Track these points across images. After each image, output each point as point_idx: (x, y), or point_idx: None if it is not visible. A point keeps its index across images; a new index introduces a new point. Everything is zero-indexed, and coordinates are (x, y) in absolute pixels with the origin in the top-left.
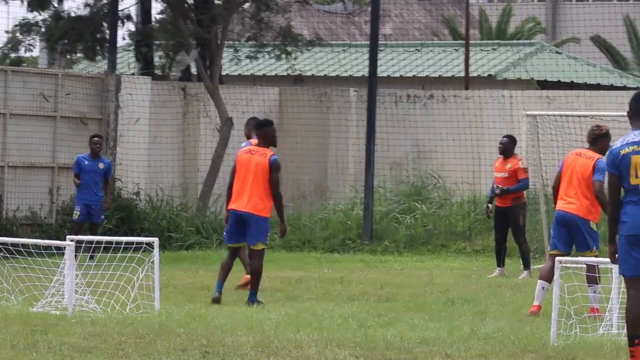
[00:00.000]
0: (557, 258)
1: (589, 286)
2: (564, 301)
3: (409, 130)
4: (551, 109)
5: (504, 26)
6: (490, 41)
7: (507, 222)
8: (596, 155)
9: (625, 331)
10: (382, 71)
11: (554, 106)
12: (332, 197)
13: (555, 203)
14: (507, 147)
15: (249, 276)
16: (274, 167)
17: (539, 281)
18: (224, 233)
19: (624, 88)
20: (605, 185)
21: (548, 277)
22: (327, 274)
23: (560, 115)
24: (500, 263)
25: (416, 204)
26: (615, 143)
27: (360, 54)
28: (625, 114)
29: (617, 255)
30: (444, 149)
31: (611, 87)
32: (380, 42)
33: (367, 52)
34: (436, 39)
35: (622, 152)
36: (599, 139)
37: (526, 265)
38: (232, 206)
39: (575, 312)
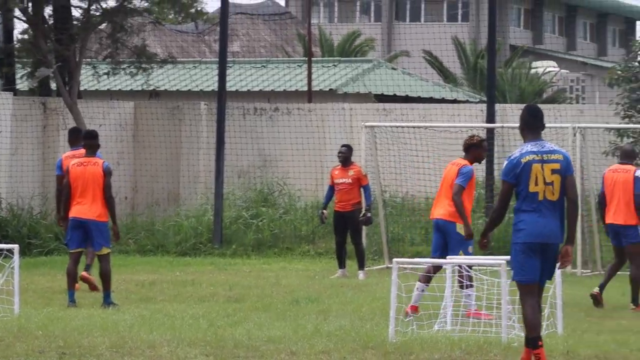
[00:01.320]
0: (394, 260)
1: (462, 289)
2: (402, 300)
3: (256, 140)
4: (388, 120)
5: (347, 44)
6: (332, 58)
7: (347, 225)
8: (463, 162)
9: (459, 327)
10: (230, 86)
11: (391, 118)
12: (184, 204)
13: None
14: (347, 156)
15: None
16: (107, 173)
17: (418, 283)
18: (65, 240)
19: (455, 101)
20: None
21: (426, 280)
22: (179, 277)
23: (397, 126)
24: (342, 264)
25: (263, 209)
26: (514, 153)
27: (210, 70)
28: (519, 129)
29: (511, 261)
30: (288, 158)
31: (443, 100)
32: (228, 59)
33: (216, 68)
34: (281, 56)
35: (523, 160)
36: (470, 149)
37: (361, 266)
38: (73, 214)
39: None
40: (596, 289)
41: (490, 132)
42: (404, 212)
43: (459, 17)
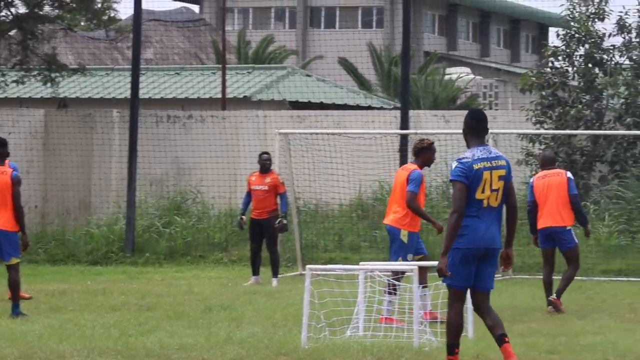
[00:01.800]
0: (307, 266)
1: (386, 294)
2: (314, 306)
3: (169, 148)
4: (302, 127)
5: (261, 51)
6: (246, 65)
7: (263, 233)
8: (412, 167)
9: (371, 332)
10: (143, 93)
11: (305, 125)
12: (96, 213)
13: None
14: (270, 163)
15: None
16: (16, 182)
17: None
18: None
19: (369, 108)
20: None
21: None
22: (90, 286)
23: (311, 133)
24: (256, 272)
25: (176, 217)
26: (464, 156)
27: (123, 77)
28: (462, 133)
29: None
30: (202, 165)
31: (357, 107)
32: (142, 66)
33: (129, 76)
34: (195, 63)
35: (475, 166)
36: (420, 152)
37: (275, 273)
38: None
39: (325, 316)
40: (553, 296)
41: (404, 138)
42: (318, 219)
43: (374, 24)
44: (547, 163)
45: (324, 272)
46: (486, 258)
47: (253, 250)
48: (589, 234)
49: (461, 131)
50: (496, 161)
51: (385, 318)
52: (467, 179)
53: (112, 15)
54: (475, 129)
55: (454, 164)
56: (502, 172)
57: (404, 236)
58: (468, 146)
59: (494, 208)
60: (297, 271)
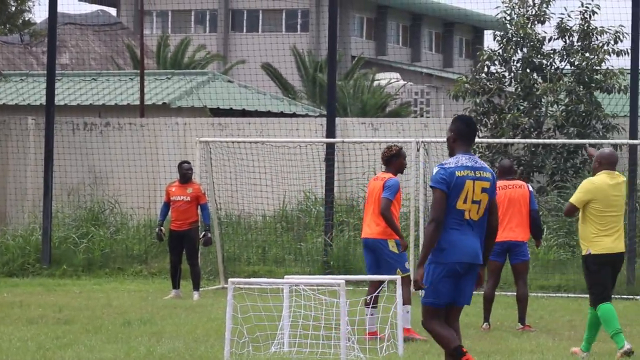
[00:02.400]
0: (230, 280)
1: (368, 307)
2: (237, 321)
3: (86, 157)
4: (224, 135)
5: (180, 56)
6: (165, 70)
7: (183, 245)
8: (387, 175)
9: (296, 349)
10: (59, 100)
11: (227, 133)
12: (11, 223)
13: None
14: (191, 173)
15: None
16: None
17: (366, 308)
18: None
19: (294, 115)
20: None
21: (373, 302)
22: (7, 298)
23: (233, 142)
24: (176, 285)
25: (94, 228)
26: (447, 162)
27: (38, 83)
28: (449, 138)
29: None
30: (120, 174)
31: (281, 114)
32: (57, 71)
33: (44, 81)
34: (112, 69)
35: (458, 173)
36: (391, 160)
37: (196, 287)
38: None
39: (248, 331)
40: (519, 325)
41: (331, 147)
42: (240, 230)
43: (299, 27)
44: (506, 172)
45: (247, 286)
46: (468, 273)
47: (173, 262)
48: (540, 245)
49: (387, 139)
50: (480, 172)
51: (369, 333)
52: (448, 186)
53: (26, 18)
54: (465, 134)
55: (435, 169)
56: (486, 184)
57: (393, 247)
58: (452, 154)
59: (474, 221)
60: (219, 284)
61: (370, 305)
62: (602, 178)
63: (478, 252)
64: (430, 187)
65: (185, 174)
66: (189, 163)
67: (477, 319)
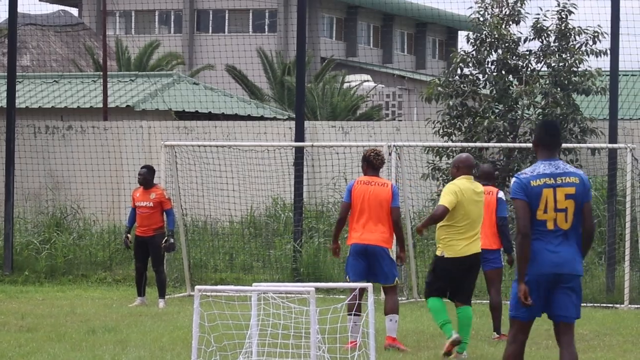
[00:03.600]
0: (196, 287)
1: (351, 315)
2: (204, 329)
3: (47, 161)
4: (189, 139)
5: (145, 58)
6: (129, 72)
7: (148, 251)
8: (385, 180)
9: (265, 357)
10: (20, 102)
11: (192, 136)
12: None
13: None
14: (147, 178)
15: None
16: None
17: (349, 316)
18: None
19: (262, 118)
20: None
21: (356, 309)
22: None
23: (199, 146)
24: (141, 292)
25: (56, 234)
26: (524, 172)
27: None
28: (532, 144)
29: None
30: (83, 179)
31: (248, 117)
32: (18, 73)
33: (4, 84)
34: (75, 70)
35: (533, 183)
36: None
37: (162, 294)
38: None
39: (215, 340)
40: (494, 334)
41: (300, 151)
42: (207, 236)
43: (266, 28)
44: (484, 178)
45: (214, 293)
46: (558, 285)
47: (138, 269)
48: (512, 262)
49: (358, 143)
50: (563, 178)
51: (351, 342)
52: (527, 195)
53: None
54: (544, 141)
55: (512, 180)
56: (571, 190)
57: (392, 254)
58: (537, 160)
59: (565, 230)
60: (185, 292)
61: (354, 313)
62: (463, 182)
63: (566, 262)
64: (511, 199)
65: (140, 180)
66: (146, 168)
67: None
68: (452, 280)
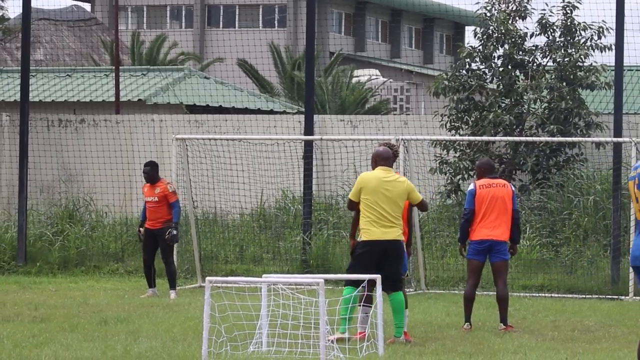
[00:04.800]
0: (207, 278)
1: (363, 306)
2: (215, 320)
3: (60, 154)
4: (200, 132)
5: (156, 53)
6: (140, 66)
7: (157, 243)
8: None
9: (275, 348)
10: (34, 96)
11: (203, 130)
12: None
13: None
14: (151, 174)
15: None
16: None
17: (360, 307)
18: None
19: (271, 112)
20: None
21: (367, 301)
22: None
23: (209, 139)
24: (151, 284)
25: (69, 226)
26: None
27: (12, 79)
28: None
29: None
30: (95, 172)
31: (258, 111)
32: (31, 67)
33: (18, 78)
34: (88, 65)
35: (632, 173)
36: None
37: (172, 285)
38: None
39: (226, 330)
40: (501, 325)
41: (309, 144)
42: (217, 228)
43: (276, 23)
44: (488, 171)
45: (224, 285)
46: None
47: (145, 261)
48: (516, 252)
49: (367, 137)
50: None
51: (360, 333)
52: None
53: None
54: None
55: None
56: None
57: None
58: None
59: None
60: (196, 283)
61: (363, 304)
62: (375, 172)
63: None
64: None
65: (145, 178)
66: (149, 165)
67: (459, 319)
68: (371, 266)
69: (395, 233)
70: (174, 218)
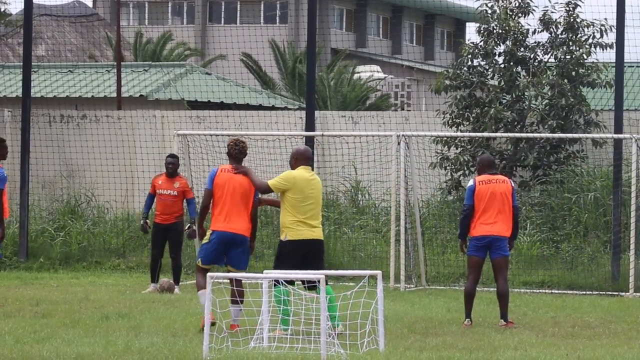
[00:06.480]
0: (208, 274)
1: (233, 302)
2: (216, 315)
3: (62, 149)
4: (201, 128)
5: (159, 49)
6: (142, 62)
7: (168, 238)
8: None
9: (276, 344)
10: (36, 92)
11: (205, 126)
12: None
13: None
14: (177, 166)
15: None
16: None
17: None
18: None
19: (273, 108)
20: None
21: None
22: None
23: (211, 135)
24: (155, 279)
25: (70, 221)
26: None
27: (14, 75)
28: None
29: None
30: (97, 167)
31: (260, 107)
32: (33, 63)
33: (20, 73)
34: (89, 60)
35: None
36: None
37: (176, 281)
38: None
39: (227, 326)
40: (501, 321)
41: (310, 140)
42: None
43: (277, 19)
44: (488, 167)
45: (226, 280)
46: None
47: (154, 256)
48: (512, 247)
49: (368, 133)
50: None
51: (232, 326)
52: None
53: (2, 9)
54: None
55: None
56: None
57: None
58: None
59: None
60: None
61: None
62: (301, 172)
63: None
64: None
65: (167, 168)
66: (173, 157)
67: (459, 315)
68: (296, 265)
69: (320, 232)
70: (192, 213)
